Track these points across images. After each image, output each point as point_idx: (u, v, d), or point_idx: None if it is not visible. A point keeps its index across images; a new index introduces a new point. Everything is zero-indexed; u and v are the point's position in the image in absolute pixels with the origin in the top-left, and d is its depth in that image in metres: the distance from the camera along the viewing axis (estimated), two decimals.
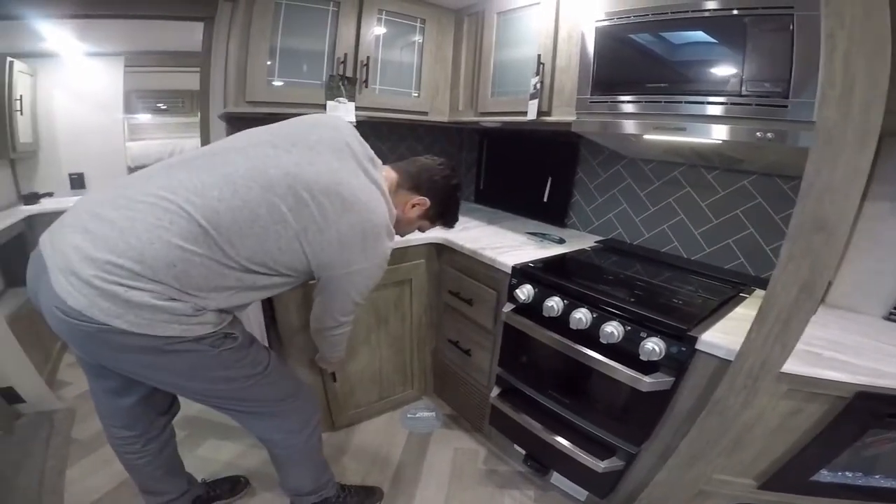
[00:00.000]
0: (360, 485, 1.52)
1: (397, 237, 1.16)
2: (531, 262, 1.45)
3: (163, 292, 0.82)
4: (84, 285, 0.78)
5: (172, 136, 3.70)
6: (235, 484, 1.51)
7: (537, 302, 1.30)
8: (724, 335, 0.97)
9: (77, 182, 2.75)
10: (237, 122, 1.87)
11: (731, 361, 0.89)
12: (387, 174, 1.10)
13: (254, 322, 1.63)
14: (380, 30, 1.80)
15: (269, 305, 1.53)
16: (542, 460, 1.53)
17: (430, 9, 1.88)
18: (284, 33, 1.62)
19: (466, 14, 1.90)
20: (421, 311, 1.88)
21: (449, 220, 1.25)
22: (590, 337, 1.17)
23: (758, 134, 0.99)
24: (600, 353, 1.14)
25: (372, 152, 1.06)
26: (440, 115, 2.04)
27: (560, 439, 1.33)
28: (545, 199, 2.06)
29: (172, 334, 0.84)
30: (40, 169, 2.67)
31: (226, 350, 0.94)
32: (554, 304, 1.25)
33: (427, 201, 1.14)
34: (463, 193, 1.28)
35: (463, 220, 2.05)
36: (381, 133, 2.27)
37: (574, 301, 1.23)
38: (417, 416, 1.98)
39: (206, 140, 1.88)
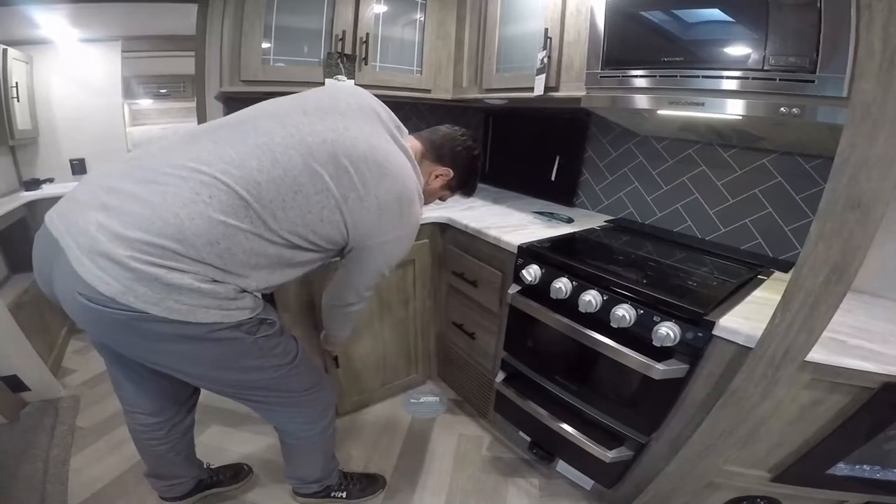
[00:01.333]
0: (363, 472, 1.51)
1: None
2: (538, 241, 1.40)
3: (205, 274, 0.77)
4: (118, 268, 0.71)
5: (175, 121, 3.67)
6: (238, 471, 1.50)
7: (544, 283, 1.26)
8: (744, 320, 0.92)
9: (78, 167, 2.73)
10: (232, 103, 1.83)
11: (751, 348, 0.85)
12: (412, 144, 1.07)
13: None
14: (380, 7, 1.74)
15: None
16: (547, 448, 1.50)
17: None
18: (280, 11, 1.58)
19: None
20: (424, 293, 1.84)
21: (469, 190, 1.25)
22: (599, 321, 1.12)
23: (782, 109, 0.93)
24: (610, 338, 1.10)
25: (397, 119, 1.03)
26: (444, 92, 1.98)
27: (566, 427, 1.30)
28: (553, 178, 1.99)
29: (213, 321, 0.79)
30: (40, 155, 2.66)
31: (262, 337, 0.90)
32: (562, 285, 1.20)
33: (450, 172, 1.12)
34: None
35: (467, 200, 2.01)
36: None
37: (583, 282, 1.18)
38: (421, 400, 1.96)
39: (202, 122, 1.83)
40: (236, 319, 0.83)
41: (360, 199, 0.89)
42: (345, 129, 0.89)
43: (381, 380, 1.90)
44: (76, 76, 2.72)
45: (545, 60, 1.40)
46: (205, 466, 1.40)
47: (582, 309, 1.15)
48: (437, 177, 1.12)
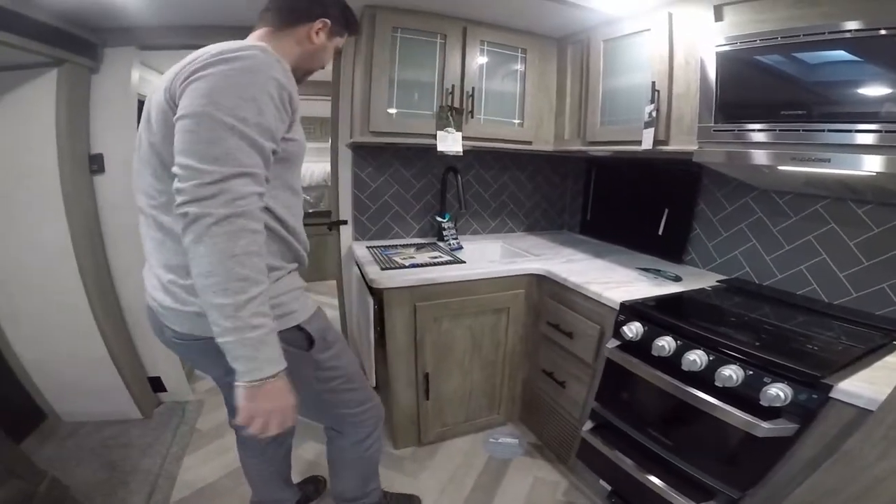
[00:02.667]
0: (401, 493, 1.68)
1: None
2: (641, 299, 1.46)
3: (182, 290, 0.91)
4: (164, 310, 0.95)
5: (322, 162, 4.11)
6: (317, 482, 1.72)
7: (646, 340, 1.32)
8: (869, 385, 0.91)
9: None
10: (360, 151, 2.17)
11: (871, 411, 0.84)
12: (257, 33, 1.03)
13: (363, 339, 1.83)
14: (482, 59, 1.95)
15: (379, 319, 1.72)
16: (628, 498, 1.50)
17: (530, 38, 2.02)
18: (401, 65, 1.83)
19: (570, 42, 2.01)
20: (516, 339, 1.97)
21: (354, 26, 1.16)
22: (702, 379, 1.15)
23: None
24: (712, 396, 1.12)
25: None
26: (545, 144, 2.15)
27: (654, 479, 1.31)
28: (660, 233, 2.04)
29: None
30: None
31: (314, 353, 1.04)
32: (665, 343, 1.26)
33: (326, 20, 1.06)
34: None
35: (567, 253, 2.14)
36: (485, 161, 2.46)
37: (688, 342, 1.22)
38: (500, 441, 2.06)
39: (335, 165, 2.21)
40: (283, 328, 0.94)
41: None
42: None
43: (465, 416, 2.05)
44: None
45: (653, 114, 1.51)
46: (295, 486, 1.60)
47: (685, 367, 1.18)
48: (318, 32, 1.05)
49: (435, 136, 1.90)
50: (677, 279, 1.71)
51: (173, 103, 0.82)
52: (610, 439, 1.48)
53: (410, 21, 1.79)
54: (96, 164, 1.84)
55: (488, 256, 2.37)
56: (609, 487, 1.57)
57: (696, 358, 1.16)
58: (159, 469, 1.80)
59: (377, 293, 1.69)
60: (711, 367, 1.13)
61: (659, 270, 1.80)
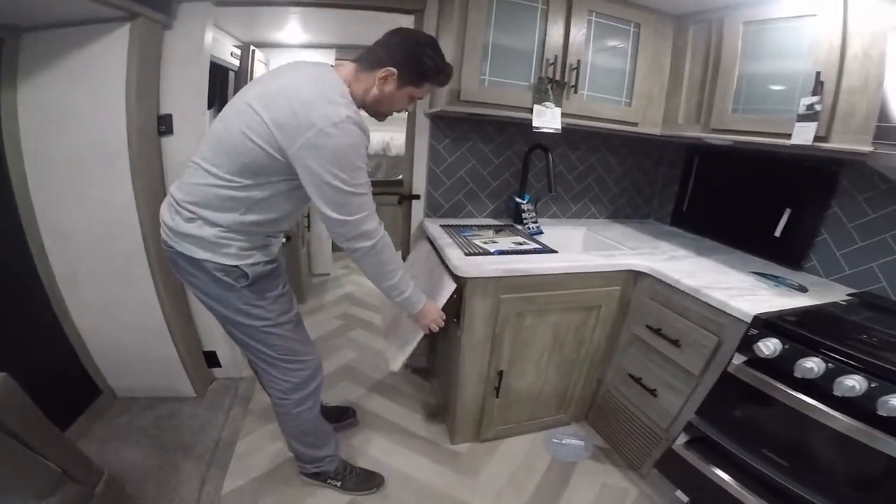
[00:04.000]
0: (364, 468, 1.76)
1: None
2: (777, 312, 1.38)
3: (198, 215, 1.20)
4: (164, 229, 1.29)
5: (379, 130, 4.08)
6: (342, 413, 2.00)
7: (785, 359, 1.25)
8: None
9: None
10: (439, 122, 2.06)
11: None
12: (345, 69, 1.26)
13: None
14: (589, 32, 1.83)
15: (455, 309, 1.67)
16: None
17: (646, 13, 1.89)
18: (496, 30, 1.71)
19: (692, 21, 1.89)
20: (602, 338, 1.92)
21: (434, 77, 1.28)
22: (856, 405, 1.10)
23: None
24: (870, 425, 1.07)
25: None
26: (652, 126, 2.05)
27: (753, 498, 1.30)
28: (777, 234, 1.93)
29: (206, 258, 1.22)
30: None
31: (246, 287, 1.28)
32: (813, 365, 1.18)
33: (392, 69, 1.21)
34: (436, 44, 1.27)
35: (666, 248, 2.07)
36: (573, 141, 2.35)
37: (841, 365, 1.15)
38: (564, 442, 2.05)
39: (411, 136, 2.12)
40: (223, 262, 1.24)
41: (262, 123, 1.12)
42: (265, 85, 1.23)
43: (530, 414, 2.03)
44: None
45: (816, 107, 1.39)
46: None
47: (837, 392, 1.12)
48: (384, 79, 1.22)
49: (530, 110, 1.79)
50: (802, 289, 1.62)
51: (282, 152, 1.13)
52: (707, 455, 1.46)
53: None
54: (165, 124, 1.77)
55: (573, 245, 2.29)
56: (686, 499, 1.57)
57: (855, 384, 1.09)
58: (211, 456, 1.79)
59: (459, 281, 1.63)
60: (872, 395, 1.06)
61: (778, 277, 1.71)
